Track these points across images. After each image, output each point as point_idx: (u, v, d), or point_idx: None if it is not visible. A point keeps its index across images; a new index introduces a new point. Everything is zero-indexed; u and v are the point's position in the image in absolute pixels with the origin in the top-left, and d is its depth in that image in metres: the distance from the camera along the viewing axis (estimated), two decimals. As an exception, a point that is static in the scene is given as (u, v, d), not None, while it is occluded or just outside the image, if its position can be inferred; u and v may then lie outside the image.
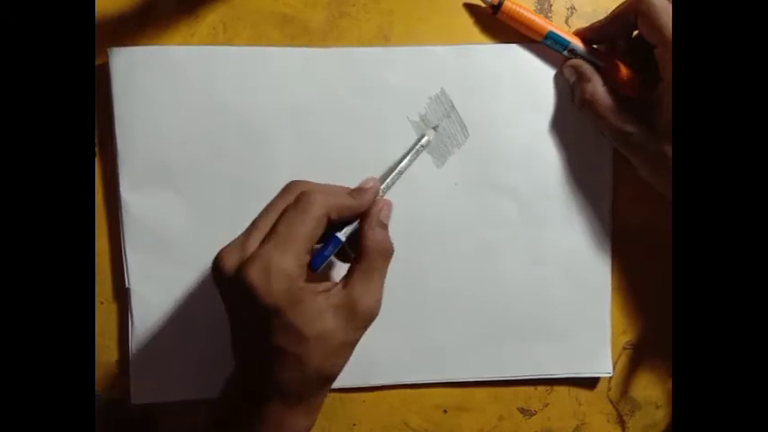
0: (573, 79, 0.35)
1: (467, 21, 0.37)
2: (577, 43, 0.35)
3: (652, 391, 0.39)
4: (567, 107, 0.37)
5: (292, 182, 0.30)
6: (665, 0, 0.31)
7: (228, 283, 0.27)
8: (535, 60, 0.36)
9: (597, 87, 0.34)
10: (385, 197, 0.32)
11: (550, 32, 0.35)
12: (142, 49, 0.35)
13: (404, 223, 0.36)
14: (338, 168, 0.36)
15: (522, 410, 0.39)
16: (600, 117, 0.34)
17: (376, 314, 0.29)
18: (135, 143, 0.35)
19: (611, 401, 0.39)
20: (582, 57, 0.35)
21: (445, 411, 0.38)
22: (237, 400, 0.29)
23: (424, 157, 0.36)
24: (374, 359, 0.37)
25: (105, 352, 0.36)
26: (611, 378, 0.39)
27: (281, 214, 0.28)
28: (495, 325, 0.37)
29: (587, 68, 0.35)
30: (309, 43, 0.36)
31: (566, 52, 0.35)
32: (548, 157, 0.37)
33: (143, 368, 0.36)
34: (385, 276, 0.29)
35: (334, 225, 0.29)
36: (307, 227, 0.27)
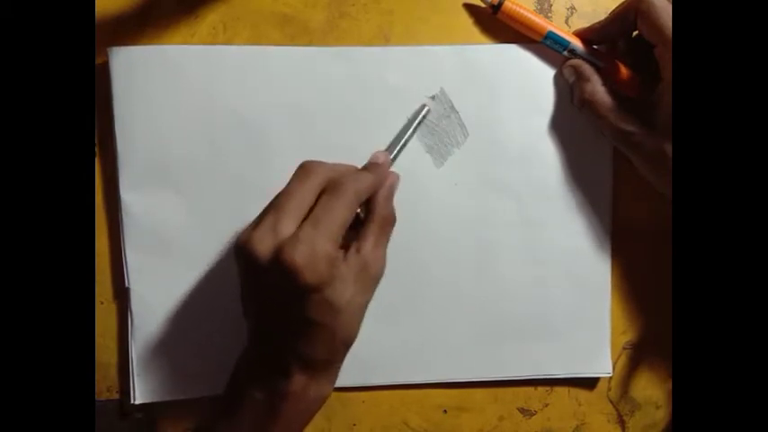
0: (572, 79, 0.35)
1: (467, 21, 0.37)
2: (577, 43, 0.35)
3: (652, 391, 0.39)
4: (566, 107, 0.37)
5: (308, 163, 0.31)
6: (665, 2, 0.32)
7: (265, 265, 0.28)
8: (535, 60, 0.36)
9: (597, 87, 0.34)
10: (391, 169, 0.33)
11: (550, 32, 0.35)
12: (142, 48, 0.35)
13: (404, 223, 0.36)
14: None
15: (522, 410, 0.39)
16: (599, 117, 0.34)
17: (381, 276, 0.31)
18: (135, 143, 0.35)
19: (611, 401, 0.39)
20: (582, 57, 0.35)
21: (445, 411, 0.38)
22: (255, 379, 0.30)
23: (424, 157, 0.36)
24: (374, 359, 0.37)
25: (105, 352, 0.36)
26: (611, 378, 0.39)
27: (318, 199, 0.29)
28: (494, 325, 0.37)
29: (587, 68, 0.35)
30: (309, 43, 0.36)
31: (565, 52, 0.35)
32: (548, 156, 0.37)
33: (143, 368, 0.36)
34: (388, 240, 0.32)
35: None
36: (344, 212, 0.29)
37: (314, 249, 0.27)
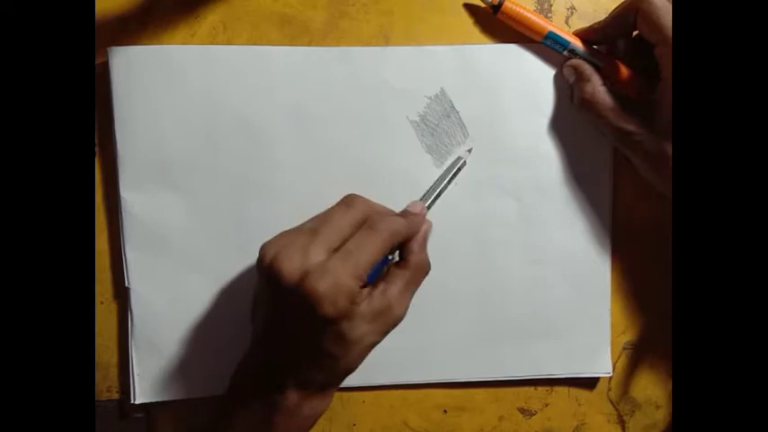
0: (572, 79, 0.35)
1: (467, 21, 0.37)
2: (577, 43, 0.35)
3: (652, 391, 0.39)
4: (567, 107, 0.36)
5: (353, 196, 0.32)
6: (666, 2, 0.31)
7: (287, 286, 0.28)
8: (535, 60, 0.36)
9: (597, 87, 0.34)
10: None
11: (550, 33, 0.35)
12: (142, 48, 0.35)
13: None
14: (338, 168, 0.36)
15: (522, 410, 0.39)
16: (599, 117, 0.34)
17: (400, 321, 0.31)
18: (135, 142, 0.35)
19: (611, 401, 0.39)
20: (582, 57, 0.35)
21: (445, 411, 0.38)
22: (252, 388, 0.31)
23: (424, 157, 0.36)
24: (374, 359, 0.37)
25: (105, 352, 0.36)
26: (611, 378, 0.39)
27: (353, 233, 0.30)
28: (495, 325, 0.37)
29: (587, 68, 0.35)
30: (309, 43, 0.36)
31: (566, 52, 0.35)
32: (548, 156, 0.37)
33: (143, 368, 0.36)
34: (417, 288, 0.32)
35: None
36: (376, 251, 0.29)
37: (338, 282, 0.27)
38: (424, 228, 0.32)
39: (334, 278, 0.27)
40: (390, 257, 0.32)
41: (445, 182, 0.35)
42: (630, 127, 0.33)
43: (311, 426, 0.31)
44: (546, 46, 0.35)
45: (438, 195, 0.35)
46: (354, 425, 0.38)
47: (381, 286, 0.30)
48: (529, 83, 0.36)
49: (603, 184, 0.37)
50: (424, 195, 0.35)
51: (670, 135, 0.32)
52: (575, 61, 0.35)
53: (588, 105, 0.34)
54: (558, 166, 0.37)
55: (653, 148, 0.32)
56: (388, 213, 0.32)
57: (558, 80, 0.36)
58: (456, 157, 0.36)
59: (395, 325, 0.31)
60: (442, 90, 0.36)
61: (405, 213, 0.33)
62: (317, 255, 0.28)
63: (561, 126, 0.37)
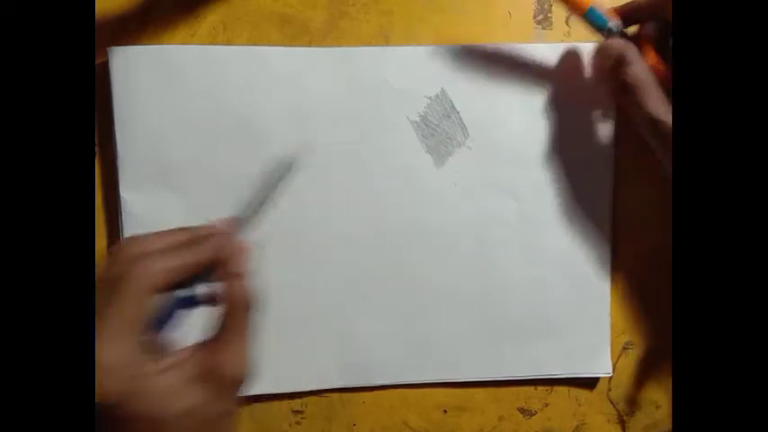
0: (612, 59, 0.33)
1: (467, 21, 0.37)
2: (617, 23, 0.33)
3: (652, 391, 0.39)
4: (567, 107, 0.37)
5: (116, 247, 0.26)
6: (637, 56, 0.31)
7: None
8: (535, 60, 0.36)
9: (638, 70, 0.32)
10: (251, 231, 0.28)
11: (592, 8, 0.33)
12: (142, 48, 0.35)
13: (403, 224, 0.36)
14: (338, 168, 0.36)
15: (522, 410, 0.39)
16: (637, 102, 0.32)
17: (245, 377, 0.26)
18: (135, 142, 0.35)
19: (611, 401, 0.39)
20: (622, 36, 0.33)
21: (445, 411, 0.38)
22: None
23: (424, 157, 0.36)
24: (374, 359, 0.37)
25: (105, 352, 0.36)
26: (611, 378, 0.39)
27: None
28: (495, 325, 0.37)
29: (632, 50, 0.32)
30: (309, 43, 0.36)
31: (603, 32, 0.33)
32: (547, 157, 0.37)
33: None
34: (249, 330, 0.26)
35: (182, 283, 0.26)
36: (124, 311, 0.23)
37: (103, 362, 0.23)
38: (228, 256, 0.26)
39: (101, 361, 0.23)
40: (183, 295, 0.26)
41: (269, 191, 0.29)
42: (664, 116, 0.32)
43: None
44: (545, 45, 0.36)
45: (260, 206, 0.28)
46: (354, 425, 0.38)
47: (197, 346, 0.25)
48: (529, 83, 0.36)
49: (603, 184, 0.37)
50: (242, 209, 0.28)
51: None
52: (618, 42, 0.33)
53: (629, 88, 0.33)
54: (558, 166, 0.37)
55: None
56: (150, 252, 0.25)
57: (559, 79, 0.36)
58: (286, 161, 0.29)
59: (237, 384, 0.25)
60: (443, 90, 0.36)
61: (191, 238, 0.26)
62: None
63: (562, 126, 0.37)
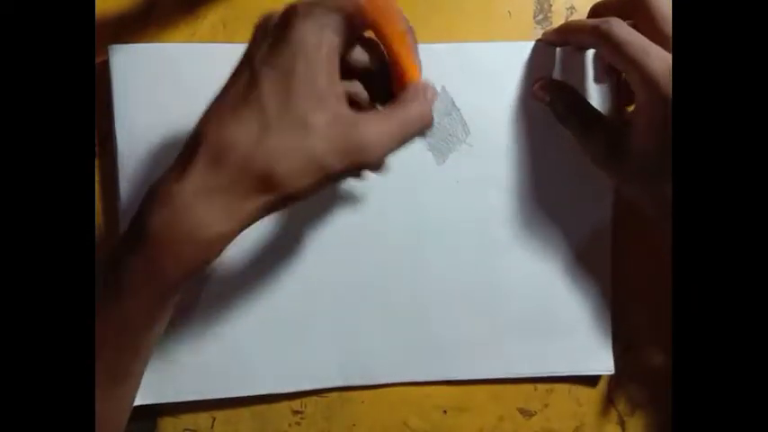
0: (547, 99, 0.35)
1: (467, 21, 0.37)
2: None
3: (652, 391, 0.39)
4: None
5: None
6: (634, 32, 0.30)
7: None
8: (536, 58, 0.36)
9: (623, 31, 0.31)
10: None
11: None
12: (142, 46, 0.35)
13: (405, 221, 0.36)
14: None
15: (522, 411, 0.39)
16: (574, 135, 0.34)
17: (368, 164, 0.26)
18: (135, 141, 0.35)
19: (612, 401, 0.39)
20: None
21: (445, 411, 0.38)
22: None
23: (426, 155, 0.36)
24: (374, 359, 0.37)
25: (105, 351, 0.36)
26: (611, 378, 0.39)
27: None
28: (495, 323, 0.37)
29: (561, 85, 0.35)
30: (310, 43, 0.36)
31: None
32: (548, 154, 0.37)
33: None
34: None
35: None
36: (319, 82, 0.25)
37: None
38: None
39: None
40: None
41: None
42: (602, 148, 0.32)
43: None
44: (546, 44, 0.36)
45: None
46: (354, 425, 0.38)
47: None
48: (530, 80, 0.36)
49: (604, 183, 0.37)
50: None
51: (642, 157, 0.31)
52: (543, 81, 0.35)
53: (564, 122, 0.34)
54: (558, 163, 0.37)
55: (627, 169, 0.32)
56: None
57: (560, 78, 0.36)
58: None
59: (362, 164, 0.25)
60: (444, 88, 0.36)
61: None
62: None
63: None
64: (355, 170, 0.25)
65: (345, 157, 0.24)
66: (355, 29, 0.26)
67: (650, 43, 0.29)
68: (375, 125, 0.25)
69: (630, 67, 0.29)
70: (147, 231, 0.24)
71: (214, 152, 0.24)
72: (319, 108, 0.24)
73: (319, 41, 0.25)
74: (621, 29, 0.30)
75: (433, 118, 0.27)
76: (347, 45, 0.27)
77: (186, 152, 0.25)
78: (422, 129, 0.26)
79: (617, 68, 0.33)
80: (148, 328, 0.27)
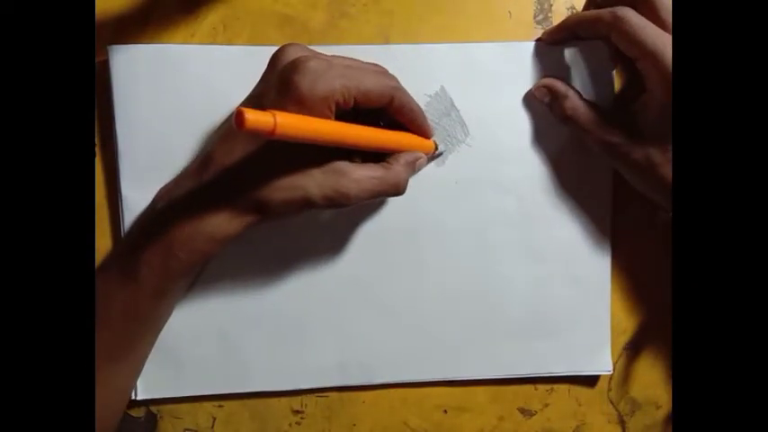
0: (547, 99, 0.35)
1: (467, 21, 0.37)
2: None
3: (652, 391, 0.39)
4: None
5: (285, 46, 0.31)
6: (647, 20, 0.31)
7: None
8: (535, 58, 0.36)
9: (575, 102, 0.34)
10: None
11: None
12: (142, 47, 0.35)
13: (404, 222, 0.36)
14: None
15: (522, 411, 0.39)
16: (584, 131, 0.34)
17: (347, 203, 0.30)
18: (135, 141, 0.35)
19: (612, 401, 0.39)
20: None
21: (445, 411, 0.38)
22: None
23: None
24: (374, 359, 0.37)
25: (105, 351, 0.36)
26: (611, 378, 0.39)
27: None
28: (495, 323, 0.37)
29: (561, 85, 0.34)
30: (309, 43, 0.36)
31: None
32: (548, 155, 0.37)
33: (146, 364, 0.36)
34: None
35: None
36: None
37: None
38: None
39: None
40: None
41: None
42: (615, 138, 0.33)
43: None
44: (546, 44, 0.36)
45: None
46: (354, 425, 0.38)
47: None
48: (529, 81, 0.36)
49: (604, 183, 0.37)
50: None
51: (656, 143, 0.32)
52: (546, 80, 0.35)
53: (572, 121, 0.34)
54: (558, 164, 0.37)
55: (640, 156, 0.32)
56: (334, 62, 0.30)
57: (559, 78, 0.36)
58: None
59: (339, 206, 0.30)
60: (443, 88, 0.36)
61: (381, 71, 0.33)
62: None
63: (561, 124, 0.37)
64: (332, 208, 0.30)
65: (329, 200, 0.29)
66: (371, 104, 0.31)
67: (663, 32, 0.31)
68: (357, 179, 0.30)
69: (645, 53, 0.31)
70: (167, 223, 0.30)
71: (225, 174, 0.30)
72: (319, 155, 0.29)
73: (325, 98, 0.28)
74: (636, 16, 0.31)
75: (405, 188, 0.32)
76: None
77: (200, 165, 0.31)
78: (394, 194, 0.32)
79: (626, 56, 0.33)
80: (157, 304, 0.32)
